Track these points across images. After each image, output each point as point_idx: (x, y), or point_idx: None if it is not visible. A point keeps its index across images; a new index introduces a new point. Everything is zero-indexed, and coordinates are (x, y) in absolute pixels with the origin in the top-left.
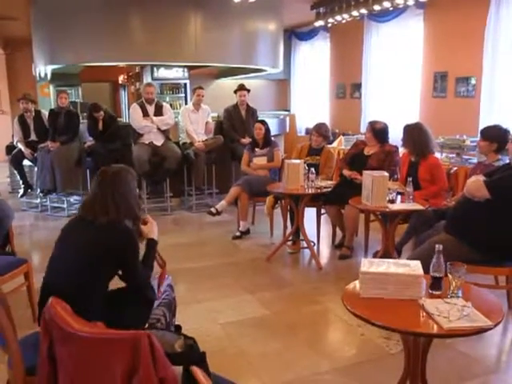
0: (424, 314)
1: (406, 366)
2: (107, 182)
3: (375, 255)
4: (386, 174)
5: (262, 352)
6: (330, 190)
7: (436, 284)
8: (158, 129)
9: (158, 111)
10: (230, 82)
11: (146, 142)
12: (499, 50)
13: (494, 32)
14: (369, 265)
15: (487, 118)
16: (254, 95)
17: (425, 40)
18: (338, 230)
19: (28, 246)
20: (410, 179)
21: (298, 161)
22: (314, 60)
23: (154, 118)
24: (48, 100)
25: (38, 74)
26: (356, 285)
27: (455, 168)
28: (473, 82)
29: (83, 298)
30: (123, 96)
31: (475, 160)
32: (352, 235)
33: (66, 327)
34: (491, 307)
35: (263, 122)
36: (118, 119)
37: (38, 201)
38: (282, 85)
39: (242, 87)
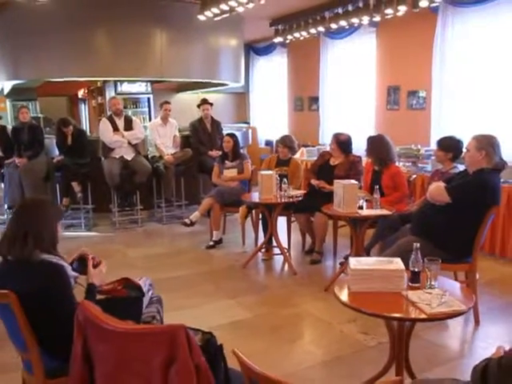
0: (408, 303)
1: (391, 351)
2: (27, 214)
3: (346, 258)
4: (356, 182)
5: (248, 352)
6: (300, 198)
7: (415, 277)
8: (129, 143)
9: (128, 125)
10: (191, 96)
11: (117, 157)
12: (446, 65)
13: (440, 49)
14: (356, 263)
15: (437, 129)
16: (214, 108)
17: (378, 56)
18: (307, 236)
19: None
20: (376, 187)
21: (270, 172)
22: (271, 74)
23: (125, 133)
24: (4, 115)
25: None
26: (344, 281)
27: (414, 176)
28: (423, 94)
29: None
30: (83, 110)
31: (429, 168)
32: (322, 241)
33: (104, 325)
34: (463, 295)
35: (232, 135)
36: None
37: (5, 217)
38: (241, 98)
39: (204, 101)
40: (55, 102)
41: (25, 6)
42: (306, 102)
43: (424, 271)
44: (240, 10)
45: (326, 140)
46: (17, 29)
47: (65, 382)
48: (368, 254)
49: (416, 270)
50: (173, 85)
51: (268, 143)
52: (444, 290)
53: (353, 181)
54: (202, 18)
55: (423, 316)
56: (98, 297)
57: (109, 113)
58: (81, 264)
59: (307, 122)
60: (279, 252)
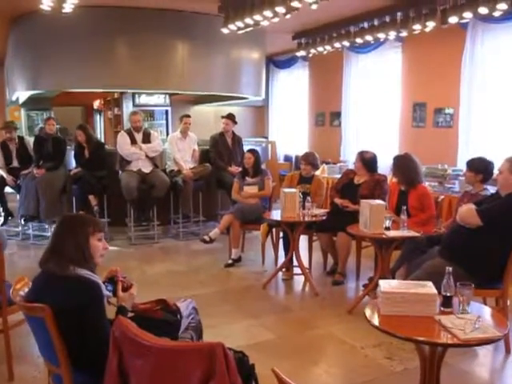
0: (441, 327)
1: (421, 377)
2: (69, 232)
3: (370, 281)
4: (383, 202)
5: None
6: (324, 217)
7: (447, 302)
8: (147, 156)
9: (146, 138)
10: (208, 109)
11: (134, 170)
12: (475, 82)
13: (469, 65)
14: (388, 285)
15: (465, 148)
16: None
17: (403, 71)
18: (329, 256)
19: (12, 275)
20: (404, 208)
21: (293, 190)
22: (292, 87)
23: (143, 146)
24: (18, 124)
25: (10, 98)
26: (374, 304)
27: (442, 197)
28: (450, 112)
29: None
30: (98, 121)
31: (457, 188)
32: (344, 262)
33: (142, 341)
34: (497, 321)
35: (253, 151)
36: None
37: (20, 229)
38: (260, 112)
39: (227, 116)
40: (70, 112)
41: (46, 17)
42: (327, 116)
43: (456, 296)
44: (265, 24)
45: (347, 157)
46: (37, 39)
47: None
48: (393, 277)
49: (448, 294)
50: (190, 97)
51: (287, 158)
52: (477, 315)
53: (380, 201)
54: (225, 31)
55: (457, 342)
56: (132, 314)
57: (126, 126)
58: (112, 284)
59: (328, 138)
60: (300, 272)
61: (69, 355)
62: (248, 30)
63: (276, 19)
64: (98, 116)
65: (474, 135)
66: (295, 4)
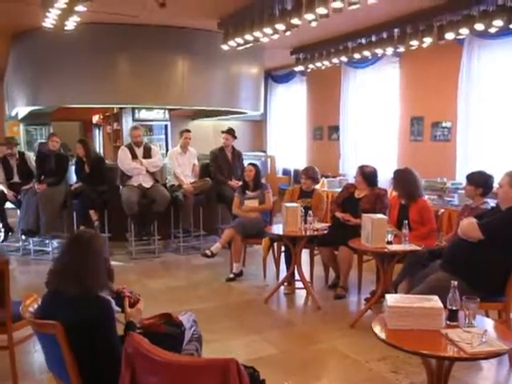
0: (448, 341)
1: None
2: (79, 249)
3: (372, 294)
4: (385, 217)
5: None
6: (326, 231)
7: (453, 316)
8: (147, 171)
9: (147, 153)
10: (206, 123)
11: (135, 184)
12: (472, 96)
13: (466, 80)
14: (394, 300)
15: (463, 161)
16: None
17: (401, 86)
18: (330, 270)
19: (13, 291)
20: (405, 222)
21: (295, 204)
22: (290, 102)
23: (144, 161)
24: (18, 139)
25: (9, 113)
26: (381, 318)
27: (442, 210)
28: (448, 126)
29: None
30: (98, 136)
31: (456, 202)
32: (346, 275)
33: (156, 357)
34: (502, 334)
35: (254, 165)
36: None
37: (20, 244)
38: (258, 126)
39: (227, 131)
40: (68, 127)
41: (47, 33)
42: (325, 130)
43: (462, 309)
44: (264, 40)
45: (346, 170)
46: (38, 55)
47: None
48: (396, 290)
49: (454, 308)
50: (189, 112)
51: (286, 172)
52: (484, 329)
53: (381, 215)
54: (225, 47)
55: (464, 355)
56: (137, 331)
57: (126, 141)
58: (119, 300)
59: (327, 152)
60: (301, 286)
61: (79, 372)
62: (248, 46)
63: (276, 36)
64: (97, 131)
65: (472, 148)
66: (295, 21)
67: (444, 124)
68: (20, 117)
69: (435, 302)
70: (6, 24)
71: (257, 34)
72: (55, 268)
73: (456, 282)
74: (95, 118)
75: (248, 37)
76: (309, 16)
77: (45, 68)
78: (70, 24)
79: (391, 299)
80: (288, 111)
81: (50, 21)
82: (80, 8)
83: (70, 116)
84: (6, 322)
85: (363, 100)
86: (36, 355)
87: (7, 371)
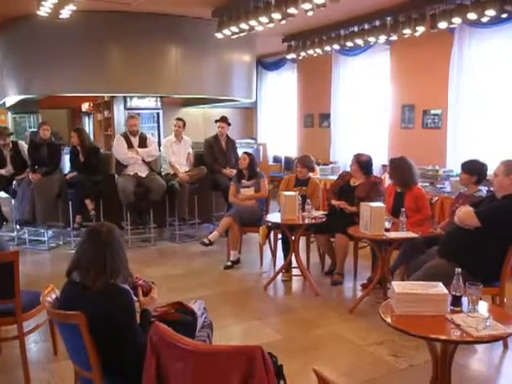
0: (453, 325)
1: (434, 373)
2: (101, 241)
3: (370, 281)
4: (383, 205)
5: (286, 374)
6: (324, 219)
7: (456, 301)
8: (143, 160)
9: (143, 143)
10: (197, 111)
11: (131, 174)
12: (463, 84)
13: (457, 68)
14: (400, 287)
15: (454, 149)
16: None
17: (392, 73)
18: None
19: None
20: (402, 209)
21: (293, 193)
22: (280, 89)
23: (139, 150)
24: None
25: None
26: (387, 304)
27: (436, 198)
28: (439, 113)
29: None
30: (87, 124)
31: (448, 189)
32: (343, 262)
33: (183, 345)
34: (503, 318)
35: (248, 154)
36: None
37: (15, 233)
38: (248, 113)
39: (221, 119)
40: (57, 114)
41: (38, 21)
42: (316, 118)
43: (465, 295)
44: (259, 29)
45: (337, 158)
46: (29, 43)
47: None
48: (392, 276)
49: (458, 294)
50: (179, 100)
51: (276, 160)
52: (488, 313)
53: (380, 203)
54: (219, 35)
55: (470, 339)
56: (152, 319)
57: (117, 129)
58: (133, 289)
59: (317, 139)
60: (298, 273)
61: (101, 361)
62: (242, 34)
63: (271, 25)
64: (87, 118)
65: (463, 136)
66: (291, 11)
67: (435, 112)
68: (8, 105)
69: (440, 288)
70: None
71: (252, 22)
72: (76, 259)
73: (460, 269)
74: (85, 106)
75: (243, 25)
76: (306, 5)
77: (37, 56)
78: (66, 12)
79: (398, 286)
80: (278, 98)
81: (45, 9)
82: None
83: (58, 104)
84: (15, 312)
85: (354, 87)
86: (44, 344)
87: (18, 360)
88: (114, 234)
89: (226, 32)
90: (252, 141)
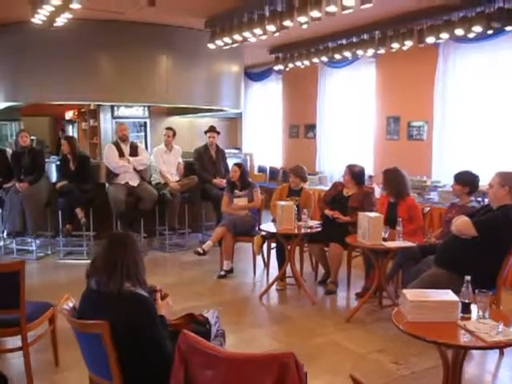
0: (465, 332)
1: (444, 379)
2: (120, 248)
3: (365, 290)
4: (381, 215)
5: None
6: (319, 229)
7: (466, 308)
8: (134, 169)
9: (134, 152)
10: (182, 120)
11: (122, 183)
12: (448, 97)
13: (442, 82)
14: (413, 295)
15: (439, 160)
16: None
17: (377, 85)
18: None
19: None
20: (399, 219)
21: (289, 203)
22: (266, 100)
23: (131, 159)
24: None
25: None
26: (398, 311)
27: (428, 208)
28: (424, 125)
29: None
30: (71, 132)
31: (436, 199)
32: (337, 271)
33: (214, 352)
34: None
35: (239, 165)
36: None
37: (2, 243)
38: (233, 123)
39: (212, 129)
40: (39, 122)
41: (27, 28)
42: (301, 129)
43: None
44: (253, 40)
45: (322, 168)
46: (18, 50)
47: None
48: (388, 285)
49: (467, 301)
50: (164, 109)
51: (261, 169)
52: (499, 320)
53: (377, 213)
54: (211, 46)
55: (484, 344)
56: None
57: (104, 138)
58: (150, 294)
59: (303, 150)
60: (293, 282)
61: (122, 369)
62: (235, 45)
63: (264, 37)
64: (71, 127)
65: (448, 147)
66: (287, 23)
67: (420, 123)
68: None
69: (451, 295)
70: None
71: (246, 34)
72: (95, 267)
73: (469, 277)
74: (69, 114)
75: (236, 36)
76: (302, 19)
77: (25, 63)
78: (61, 20)
79: (409, 294)
80: (263, 109)
81: (40, 17)
82: (75, 5)
83: (40, 111)
84: (20, 322)
85: (340, 99)
86: (44, 356)
87: (17, 373)
88: (131, 240)
89: (219, 42)
90: (236, 151)
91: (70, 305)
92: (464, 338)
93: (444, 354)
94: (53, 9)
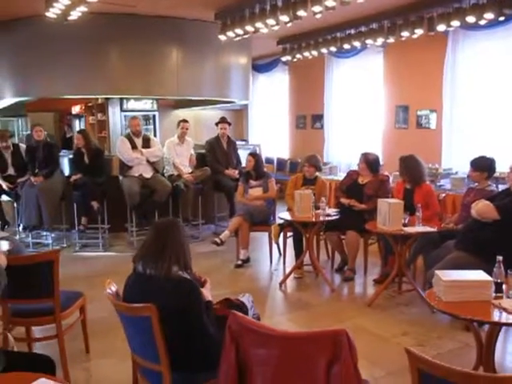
0: (501, 310)
1: (478, 356)
2: (169, 234)
3: (384, 275)
4: (401, 201)
5: None
6: (337, 217)
7: (498, 288)
8: (147, 161)
9: (146, 144)
10: (188, 113)
11: (136, 175)
12: (457, 85)
13: (451, 70)
14: (445, 276)
15: (448, 148)
16: (211, 125)
17: (385, 75)
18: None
19: None
20: (419, 205)
21: (307, 191)
22: (272, 91)
23: (144, 151)
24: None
25: None
26: (432, 293)
27: (443, 194)
28: (433, 114)
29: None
30: (78, 127)
31: (448, 186)
32: (354, 258)
33: (266, 331)
34: None
35: (254, 155)
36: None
37: (17, 237)
38: (239, 115)
39: (223, 120)
40: (44, 117)
41: (37, 23)
42: (308, 119)
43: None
44: (264, 31)
45: (331, 158)
46: (28, 45)
47: None
48: (409, 269)
49: (499, 281)
50: (171, 102)
51: (268, 161)
52: None
53: (397, 200)
54: (222, 37)
55: None
56: None
57: (112, 131)
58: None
59: (310, 140)
60: (310, 269)
61: (168, 351)
62: (246, 36)
63: (277, 27)
64: (78, 121)
65: (457, 135)
66: (301, 13)
67: (429, 112)
68: None
69: (483, 275)
70: None
71: (258, 24)
72: (143, 252)
73: (501, 257)
74: (76, 109)
75: (248, 27)
76: (316, 8)
77: (36, 58)
78: (75, 14)
79: (443, 275)
80: (270, 100)
81: (54, 10)
82: None
83: (46, 107)
84: (55, 311)
85: (347, 89)
86: (74, 343)
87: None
88: (178, 226)
89: (230, 34)
90: (243, 142)
91: (113, 289)
92: (500, 316)
93: (477, 332)
94: (69, 2)
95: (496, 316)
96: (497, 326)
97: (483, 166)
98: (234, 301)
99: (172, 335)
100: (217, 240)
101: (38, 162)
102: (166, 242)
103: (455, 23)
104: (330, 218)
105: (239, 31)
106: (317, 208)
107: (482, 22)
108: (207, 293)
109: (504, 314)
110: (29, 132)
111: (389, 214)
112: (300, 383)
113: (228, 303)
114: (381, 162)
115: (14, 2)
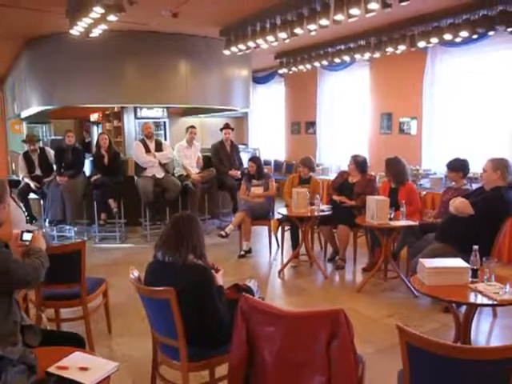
0: (476, 292)
1: (456, 334)
2: (187, 226)
3: (372, 263)
4: (387, 198)
5: None
6: (330, 212)
7: (474, 274)
8: (160, 163)
9: (159, 147)
10: (194, 120)
11: (149, 175)
12: (435, 95)
13: (430, 81)
14: (429, 263)
15: (428, 151)
16: (216, 131)
17: (371, 86)
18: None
19: None
20: (403, 201)
21: (303, 189)
22: (269, 100)
23: (156, 154)
24: (20, 136)
25: (17, 113)
26: (416, 278)
27: (424, 192)
28: (414, 121)
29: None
30: (96, 132)
31: (428, 185)
32: (344, 249)
33: (274, 311)
34: None
35: (254, 160)
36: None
37: (44, 231)
38: (239, 122)
39: (227, 126)
40: (65, 124)
41: (61, 39)
42: (302, 125)
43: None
44: (265, 47)
45: (322, 160)
46: (53, 60)
47: (204, 364)
48: (395, 258)
49: (475, 267)
50: (179, 110)
51: (266, 163)
52: (506, 282)
53: (384, 197)
54: (226, 52)
55: (495, 302)
56: None
57: (127, 136)
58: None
59: (304, 144)
60: (305, 259)
61: (185, 329)
62: (248, 51)
63: (275, 43)
64: (95, 128)
65: (435, 140)
66: (298, 31)
67: (410, 119)
68: (23, 116)
69: (461, 262)
70: (19, 30)
71: (259, 41)
72: (164, 241)
73: (477, 246)
74: (94, 117)
75: (251, 43)
76: (311, 26)
77: (60, 71)
78: (97, 31)
79: (427, 263)
80: (268, 108)
81: (78, 28)
82: (111, 17)
83: (67, 114)
84: (81, 295)
85: (337, 98)
86: (99, 325)
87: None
88: (196, 219)
89: (234, 49)
90: (244, 146)
91: (136, 274)
92: (476, 298)
93: (456, 313)
94: (92, 21)
95: (472, 298)
96: (473, 307)
97: (458, 166)
98: (242, 285)
99: (188, 315)
100: (222, 233)
101: (66, 164)
102: (185, 234)
103: (434, 40)
104: (323, 213)
105: (242, 47)
106: (311, 204)
107: (458, 40)
108: (220, 278)
109: (479, 296)
110: (53, 137)
111: (376, 209)
112: (303, 356)
113: (237, 288)
114: (368, 164)
115: (41, 21)
